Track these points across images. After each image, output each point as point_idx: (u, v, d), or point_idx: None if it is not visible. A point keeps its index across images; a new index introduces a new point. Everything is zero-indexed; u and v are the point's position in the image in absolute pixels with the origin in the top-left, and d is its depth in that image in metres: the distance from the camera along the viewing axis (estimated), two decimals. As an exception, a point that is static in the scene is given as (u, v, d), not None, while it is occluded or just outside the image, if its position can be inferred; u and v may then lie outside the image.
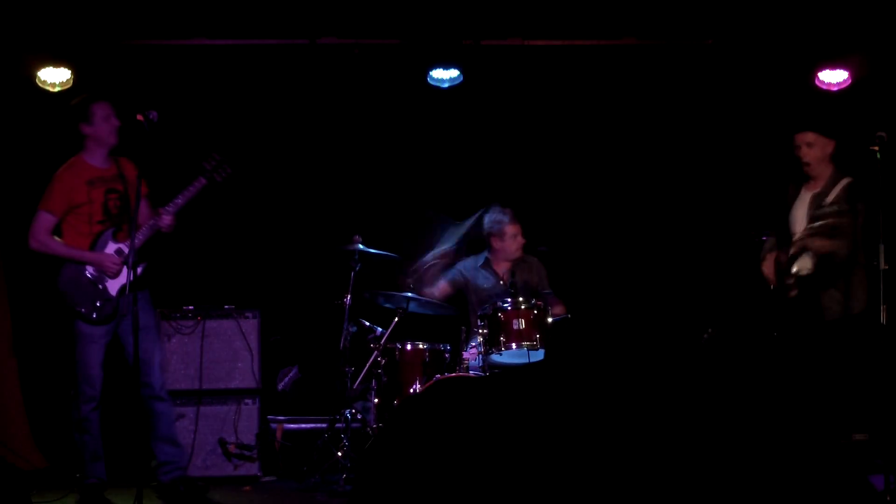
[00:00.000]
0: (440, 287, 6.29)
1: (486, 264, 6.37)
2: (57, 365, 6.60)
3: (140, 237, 5.33)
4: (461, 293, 6.40)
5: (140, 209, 5.17)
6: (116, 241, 5.40)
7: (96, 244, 5.38)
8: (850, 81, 6.71)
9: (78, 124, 5.44)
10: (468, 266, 6.46)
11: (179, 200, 5.43)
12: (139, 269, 5.35)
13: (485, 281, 6.31)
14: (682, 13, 6.56)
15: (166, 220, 5.40)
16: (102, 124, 5.42)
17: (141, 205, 5.16)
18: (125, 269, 5.34)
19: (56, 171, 5.45)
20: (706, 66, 6.85)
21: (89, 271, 5.34)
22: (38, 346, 6.65)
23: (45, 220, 5.35)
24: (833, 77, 6.72)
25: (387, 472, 4.61)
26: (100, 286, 5.35)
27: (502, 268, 6.30)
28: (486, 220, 6.30)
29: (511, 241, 6.25)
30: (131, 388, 5.37)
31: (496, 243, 6.30)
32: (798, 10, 6.42)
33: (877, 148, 4.71)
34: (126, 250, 5.33)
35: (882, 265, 4.64)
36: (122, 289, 5.37)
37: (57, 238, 5.39)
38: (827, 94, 6.76)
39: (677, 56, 6.85)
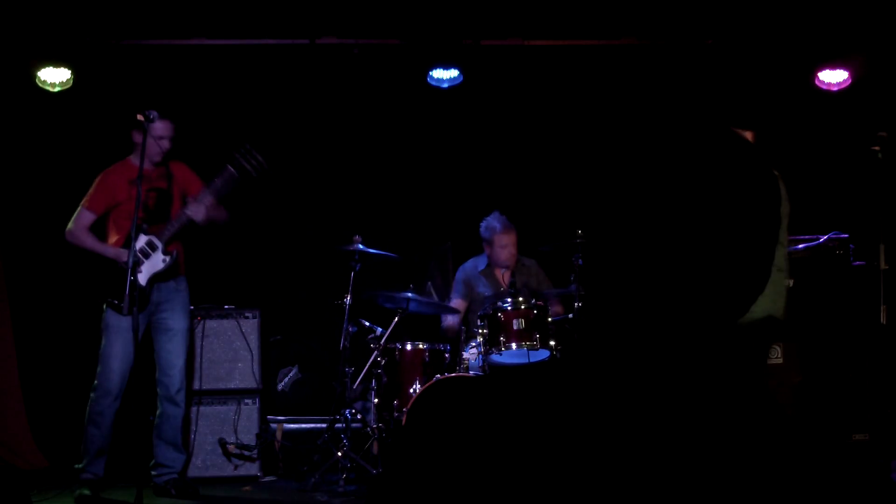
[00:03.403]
0: (455, 303, 6.36)
1: (487, 269, 6.38)
2: (57, 364, 6.62)
3: (170, 229, 5.48)
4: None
5: (177, 206, 5.55)
6: (148, 233, 5.49)
7: (133, 240, 5.46)
8: (850, 81, 6.71)
9: (131, 130, 5.54)
10: (469, 269, 6.46)
11: (210, 191, 5.49)
12: (169, 259, 5.50)
13: (485, 289, 6.31)
14: (682, 13, 6.56)
15: (201, 211, 5.47)
16: (154, 143, 5.45)
17: (179, 202, 5.57)
18: (154, 258, 5.49)
19: (95, 169, 5.63)
20: (706, 66, 6.84)
21: (121, 262, 5.43)
22: (38, 346, 6.65)
23: (84, 217, 5.54)
24: (833, 77, 6.72)
25: (394, 474, 4.62)
26: (131, 276, 5.39)
27: (501, 273, 6.30)
28: (482, 224, 6.31)
29: (500, 250, 6.22)
30: (141, 387, 5.43)
31: (487, 250, 6.32)
32: (798, 10, 6.42)
33: (878, 148, 4.70)
34: (156, 242, 5.49)
35: (882, 265, 4.64)
36: (153, 278, 5.49)
37: (91, 234, 5.55)
38: (827, 94, 6.76)
39: (677, 56, 6.85)
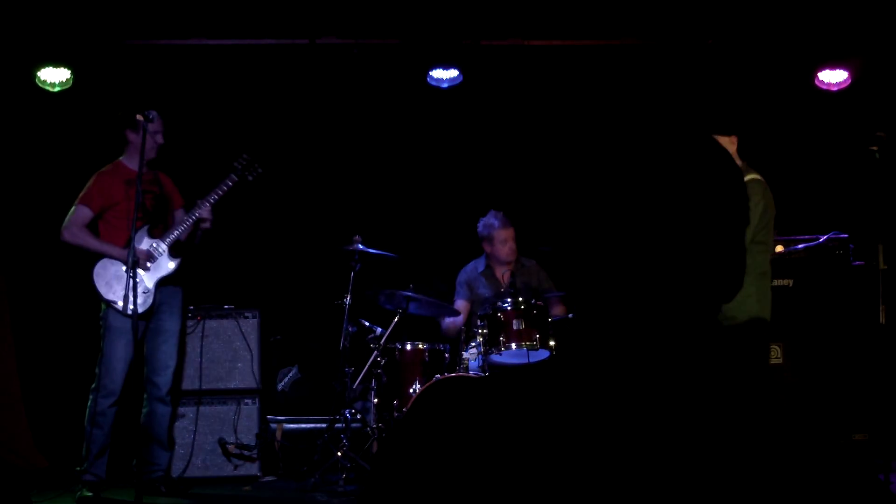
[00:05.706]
0: (459, 305, 6.35)
1: (487, 270, 6.37)
2: (57, 365, 6.62)
3: (178, 232, 5.53)
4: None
5: (174, 216, 5.67)
6: (152, 237, 5.52)
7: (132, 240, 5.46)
8: (850, 81, 6.71)
9: (125, 129, 5.58)
10: (469, 271, 6.46)
11: (214, 198, 5.60)
12: (177, 263, 5.54)
13: (485, 290, 6.30)
14: (682, 13, 6.56)
15: (206, 213, 5.56)
16: (149, 138, 5.45)
17: (176, 213, 5.69)
18: (161, 262, 5.52)
19: (95, 170, 5.61)
20: (706, 66, 6.84)
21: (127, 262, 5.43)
22: (38, 346, 6.65)
23: (82, 213, 5.48)
24: (833, 77, 6.73)
25: (392, 474, 4.62)
26: (137, 279, 5.40)
27: (502, 273, 6.29)
28: (480, 223, 6.31)
29: (501, 246, 6.22)
30: (134, 387, 5.43)
31: (487, 248, 6.31)
32: (798, 10, 6.42)
33: (876, 148, 4.70)
34: (162, 245, 5.52)
35: (881, 265, 4.63)
36: (159, 282, 5.51)
37: (92, 233, 5.50)
38: (827, 94, 6.76)
39: (677, 56, 6.84)
